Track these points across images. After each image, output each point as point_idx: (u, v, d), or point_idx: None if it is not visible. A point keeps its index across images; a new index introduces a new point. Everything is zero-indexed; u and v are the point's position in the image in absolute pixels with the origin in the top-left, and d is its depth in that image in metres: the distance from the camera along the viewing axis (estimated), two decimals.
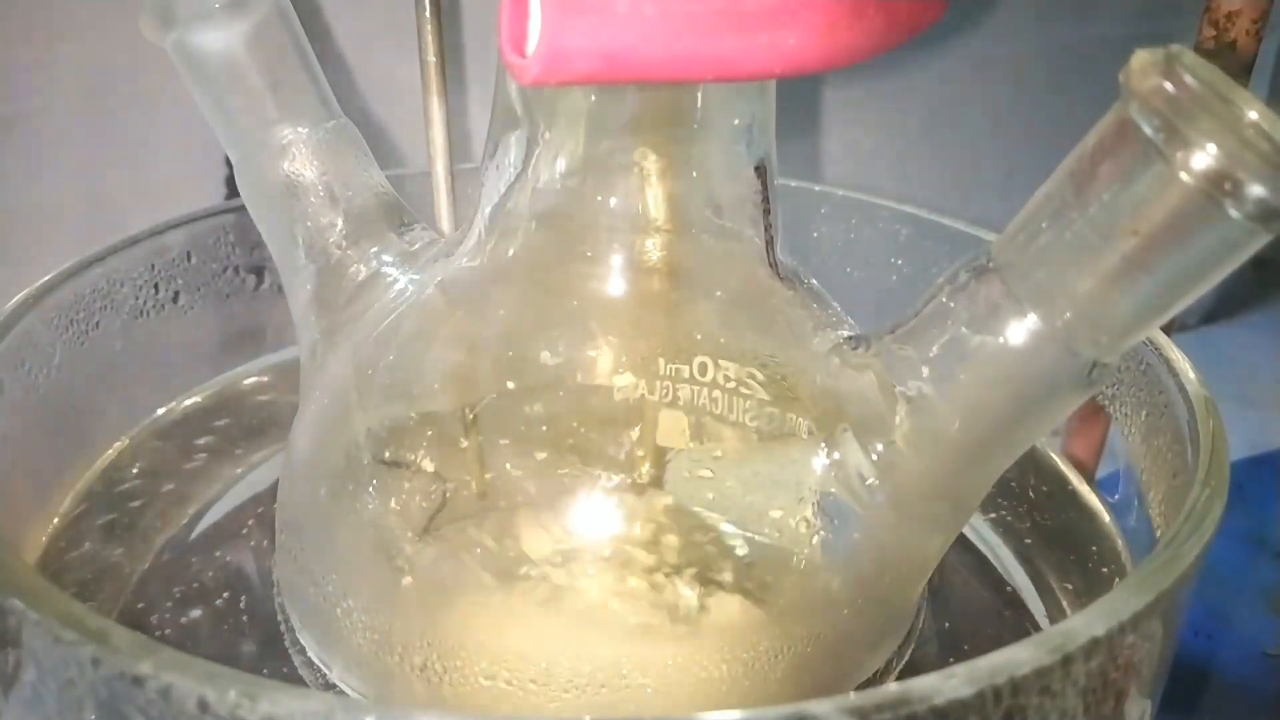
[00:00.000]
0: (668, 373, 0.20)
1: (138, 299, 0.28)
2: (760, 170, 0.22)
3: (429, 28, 0.27)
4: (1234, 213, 0.14)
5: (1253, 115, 0.14)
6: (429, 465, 0.21)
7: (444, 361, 0.22)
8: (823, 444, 0.20)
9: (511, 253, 0.22)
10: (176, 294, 0.29)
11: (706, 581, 0.20)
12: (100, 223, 0.36)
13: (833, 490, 0.19)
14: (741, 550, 0.20)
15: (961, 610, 0.25)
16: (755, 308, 0.22)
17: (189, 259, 0.29)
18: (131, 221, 0.28)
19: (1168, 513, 0.22)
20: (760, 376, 0.20)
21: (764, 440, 0.20)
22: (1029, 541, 0.27)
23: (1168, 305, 0.16)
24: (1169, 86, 0.14)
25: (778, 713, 0.13)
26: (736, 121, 0.21)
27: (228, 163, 0.24)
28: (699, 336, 0.21)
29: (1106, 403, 0.26)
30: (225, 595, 0.24)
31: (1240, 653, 0.40)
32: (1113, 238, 0.15)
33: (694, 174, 0.21)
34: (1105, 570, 0.25)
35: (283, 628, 0.23)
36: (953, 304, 0.18)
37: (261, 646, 0.23)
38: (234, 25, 0.22)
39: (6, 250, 0.36)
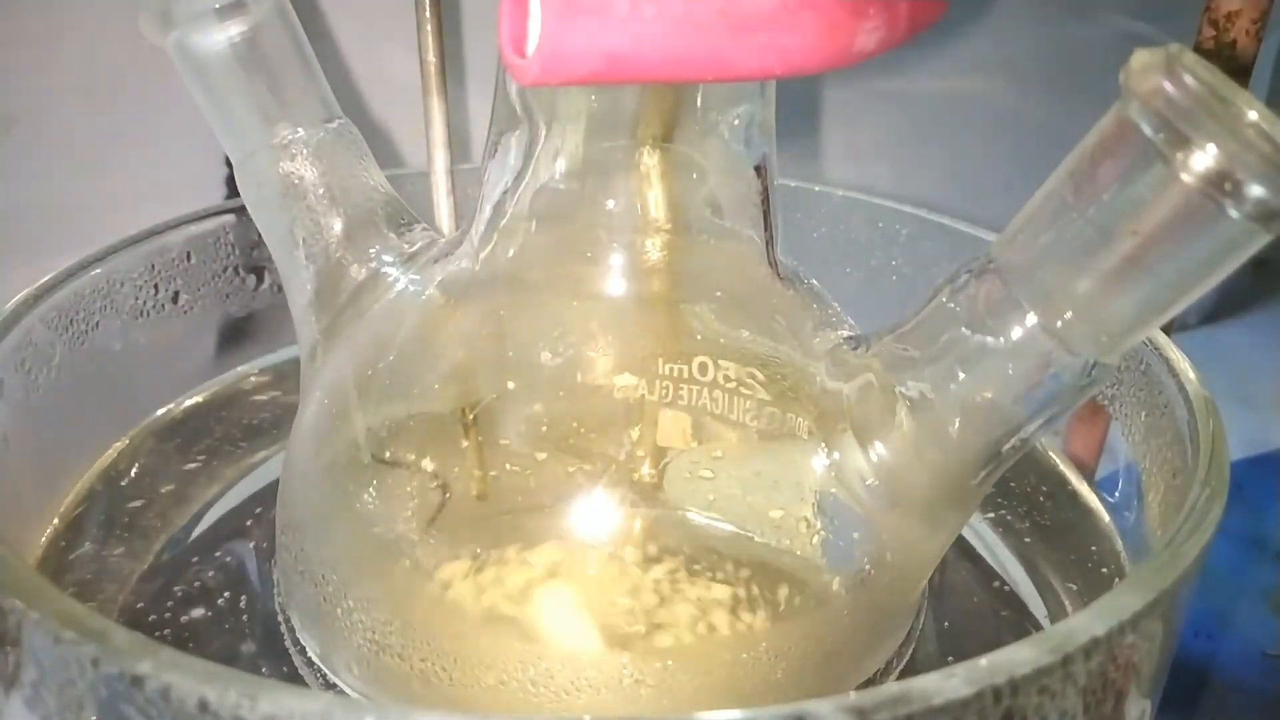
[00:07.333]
0: (668, 373, 0.20)
1: (138, 299, 0.28)
2: (760, 170, 0.22)
3: (429, 28, 0.27)
4: (1234, 213, 0.14)
5: (1253, 115, 0.14)
6: (429, 465, 0.21)
7: (444, 361, 0.22)
8: (823, 444, 0.20)
9: (512, 253, 0.22)
10: (176, 294, 0.29)
11: (706, 582, 0.20)
12: (100, 223, 0.36)
13: (833, 490, 0.19)
14: (742, 550, 0.20)
15: (961, 610, 0.25)
16: (755, 308, 0.22)
17: (189, 259, 0.29)
18: (131, 221, 0.28)
19: (1168, 513, 0.22)
20: (760, 376, 0.20)
21: (764, 440, 0.20)
22: (1029, 541, 0.27)
23: (1168, 305, 0.16)
24: (1169, 86, 0.14)
25: (778, 713, 0.13)
26: (736, 121, 0.21)
27: (228, 163, 0.24)
28: (699, 336, 0.21)
29: (1106, 403, 0.26)
30: (225, 595, 0.24)
31: (1240, 653, 0.40)
32: (1113, 238, 0.15)
33: (694, 174, 0.21)
34: (1105, 570, 0.25)
35: (283, 628, 0.23)
36: (953, 304, 0.18)
37: (261, 646, 0.23)
38: (234, 25, 0.22)
39: (6, 250, 0.36)
